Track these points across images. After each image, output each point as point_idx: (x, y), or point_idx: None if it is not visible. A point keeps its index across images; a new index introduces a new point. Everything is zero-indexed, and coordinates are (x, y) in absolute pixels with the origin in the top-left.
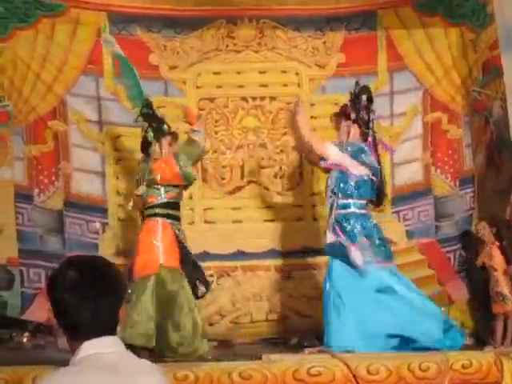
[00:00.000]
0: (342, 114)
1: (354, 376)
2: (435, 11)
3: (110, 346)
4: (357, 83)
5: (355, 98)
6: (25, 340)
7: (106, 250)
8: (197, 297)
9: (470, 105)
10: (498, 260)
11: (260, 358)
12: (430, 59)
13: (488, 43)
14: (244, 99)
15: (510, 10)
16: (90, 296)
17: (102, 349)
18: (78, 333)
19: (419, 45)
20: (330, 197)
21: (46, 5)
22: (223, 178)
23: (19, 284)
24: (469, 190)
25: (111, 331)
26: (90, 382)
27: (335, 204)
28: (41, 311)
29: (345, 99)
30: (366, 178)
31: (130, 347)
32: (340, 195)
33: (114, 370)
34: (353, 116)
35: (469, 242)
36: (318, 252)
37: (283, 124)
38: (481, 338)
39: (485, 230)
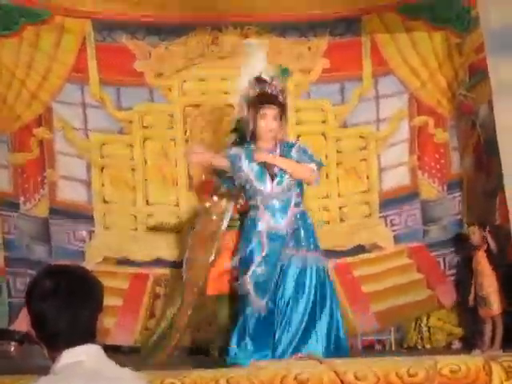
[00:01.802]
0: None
1: (342, 382)
2: (419, 16)
3: (91, 354)
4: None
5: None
6: (12, 349)
7: (93, 258)
8: None
9: (456, 108)
10: (483, 264)
11: None
12: (414, 63)
13: (473, 46)
14: (230, 106)
15: (494, 13)
16: (67, 305)
17: (82, 357)
18: (57, 342)
19: (404, 49)
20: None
21: (30, 12)
22: None
23: (6, 294)
24: (457, 194)
25: (91, 339)
26: None
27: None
28: (29, 321)
29: (330, 104)
30: None
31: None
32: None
33: (96, 378)
34: None
35: (459, 245)
36: None
37: None
38: (469, 342)
39: (475, 235)
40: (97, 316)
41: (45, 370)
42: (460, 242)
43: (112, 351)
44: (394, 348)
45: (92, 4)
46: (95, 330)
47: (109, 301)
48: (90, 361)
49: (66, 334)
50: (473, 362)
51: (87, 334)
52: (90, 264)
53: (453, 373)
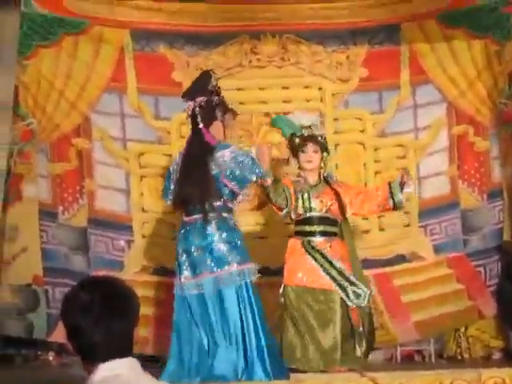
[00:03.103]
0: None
1: None
2: (459, 24)
3: (128, 367)
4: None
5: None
6: (51, 358)
7: (132, 267)
8: None
9: (496, 117)
10: None
11: None
12: (453, 72)
13: None
14: (267, 115)
15: None
16: (103, 318)
17: (119, 370)
18: (93, 355)
19: (442, 58)
20: None
21: (68, 22)
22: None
23: (45, 305)
24: (497, 203)
25: (127, 352)
26: None
27: None
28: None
29: (368, 113)
30: None
31: None
32: None
33: None
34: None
35: (499, 255)
36: None
37: None
38: (510, 354)
39: None
40: (133, 328)
41: (82, 381)
42: (500, 251)
43: (149, 362)
44: (433, 359)
45: (130, 14)
46: (131, 342)
47: (146, 310)
48: (127, 374)
49: (103, 346)
50: None
51: (123, 347)
52: (128, 273)
53: None
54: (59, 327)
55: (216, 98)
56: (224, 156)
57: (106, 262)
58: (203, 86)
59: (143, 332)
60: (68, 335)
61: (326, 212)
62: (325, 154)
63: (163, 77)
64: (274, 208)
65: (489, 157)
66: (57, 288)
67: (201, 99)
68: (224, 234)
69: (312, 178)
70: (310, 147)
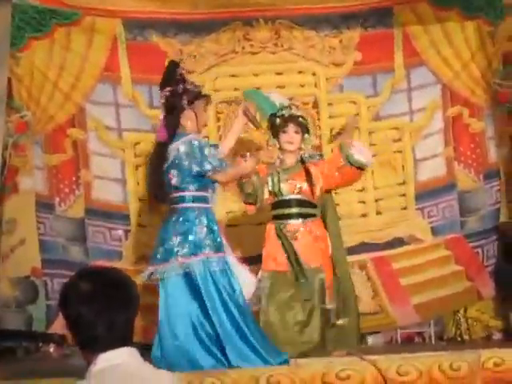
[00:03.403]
0: None
1: (384, 378)
2: (451, 5)
3: (128, 356)
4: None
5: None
6: (51, 350)
7: (130, 257)
8: None
9: (491, 97)
10: None
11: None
12: (447, 54)
13: (506, 35)
14: None
15: None
16: (103, 309)
17: (119, 360)
18: (94, 346)
19: (436, 40)
20: None
21: (60, 13)
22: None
23: (44, 296)
24: (494, 184)
25: (127, 342)
26: None
27: None
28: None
29: (362, 97)
30: None
31: None
32: None
33: (133, 381)
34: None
35: (497, 235)
36: None
37: None
38: (510, 334)
39: None
40: (133, 318)
41: (84, 372)
42: (498, 231)
43: (147, 350)
44: (433, 341)
45: (122, 3)
46: (132, 332)
47: (146, 299)
48: (126, 364)
49: (103, 337)
50: None
51: (124, 337)
52: (126, 263)
53: (496, 366)
54: (59, 319)
55: (181, 86)
56: (176, 147)
57: (104, 252)
58: (169, 76)
59: (143, 321)
60: (68, 326)
61: (298, 194)
62: (306, 135)
63: (156, 66)
64: (245, 206)
65: (484, 137)
66: (55, 279)
67: (167, 89)
68: (177, 226)
69: (290, 160)
70: (291, 128)
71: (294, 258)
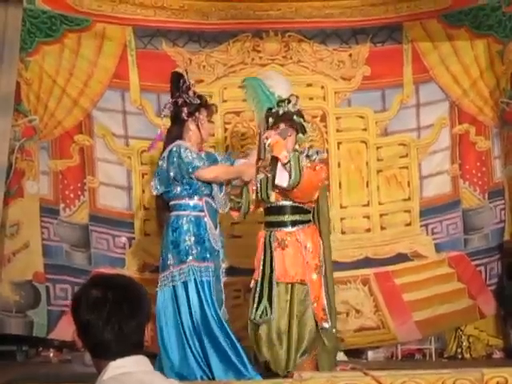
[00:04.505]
0: None
1: None
2: (461, 23)
3: (138, 365)
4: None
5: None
6: (51, 355)
7: (133, 264)
8: None
9: (498, 116)
10: None
11: None
12: (456, 71)
13: None
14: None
15: None
16: (114, 316)
17: (129, 368)
18: (104, 353)
19: (445, 57)
20: None
21: (71, 19)
22: None
23: (45, 302)
24: (499, 202)
25: (138, 350)
26: None
27: None
28: (68, 330)
29: (371, 112)
30: None
31: None
32: None
33: None
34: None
35: (500, 254)
36: None
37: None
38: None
39: None
40: (144, 326)
41: (83, 377)
42: (502, 250)
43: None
44: (434, 358)
45: (133, 11)
46: (142, 340)
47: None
48: (138, 372)
49: (114, 344)
50: None
51: (135, 345)
52: (129, 270)
53: None
54: (60, 324)
55: (181, 98)
56: (164, 153)
57: (107, 259)
58: (172, 87)
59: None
60: (78, 332)
61: (288, 199)
62: (300, 135)
63: (165, 74)
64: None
65: (490, 156)
66: (58, 285)
67: (170, 101)
68: (168, 235)
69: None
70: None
71: (268, 271)
